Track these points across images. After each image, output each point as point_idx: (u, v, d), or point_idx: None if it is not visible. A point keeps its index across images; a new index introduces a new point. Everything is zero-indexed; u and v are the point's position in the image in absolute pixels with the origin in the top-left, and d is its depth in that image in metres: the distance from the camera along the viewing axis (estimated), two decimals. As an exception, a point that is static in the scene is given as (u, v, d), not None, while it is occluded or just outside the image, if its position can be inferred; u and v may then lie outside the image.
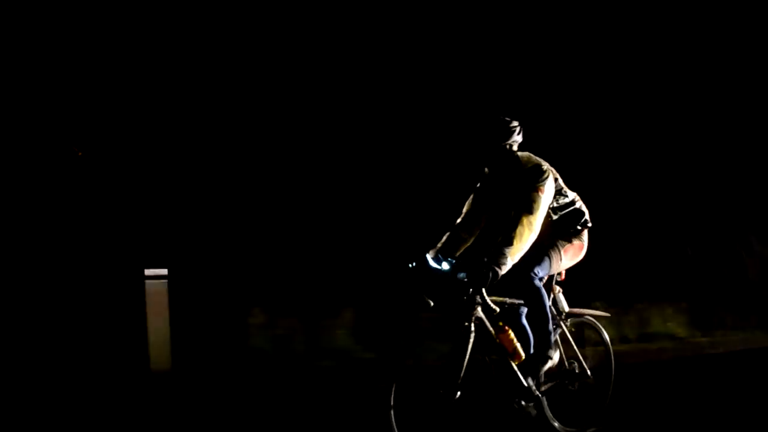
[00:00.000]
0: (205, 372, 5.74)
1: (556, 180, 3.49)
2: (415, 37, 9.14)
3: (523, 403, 3.39)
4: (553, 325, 3.52)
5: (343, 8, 8.81)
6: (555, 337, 3.56)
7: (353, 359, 6.38)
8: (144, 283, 5.53)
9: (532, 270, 3.41)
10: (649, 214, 10.02)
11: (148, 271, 5.55)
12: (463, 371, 3.12)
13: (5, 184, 6.63)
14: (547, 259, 3.47)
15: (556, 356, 3.51)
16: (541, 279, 3.47)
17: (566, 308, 3.71)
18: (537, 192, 3.32)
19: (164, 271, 5.60)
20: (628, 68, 10.15)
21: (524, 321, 3.57)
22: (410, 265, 3.45)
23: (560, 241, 3.55)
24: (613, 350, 3.93)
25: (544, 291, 3.46)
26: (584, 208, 3.65)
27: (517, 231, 3.20)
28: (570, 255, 3.59)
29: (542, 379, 3.51)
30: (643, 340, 8.46)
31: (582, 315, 3.86)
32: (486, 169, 3.57)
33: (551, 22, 9.88)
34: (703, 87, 10.34)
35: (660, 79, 10.32)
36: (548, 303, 3.49)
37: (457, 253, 3.61)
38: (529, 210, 3.27)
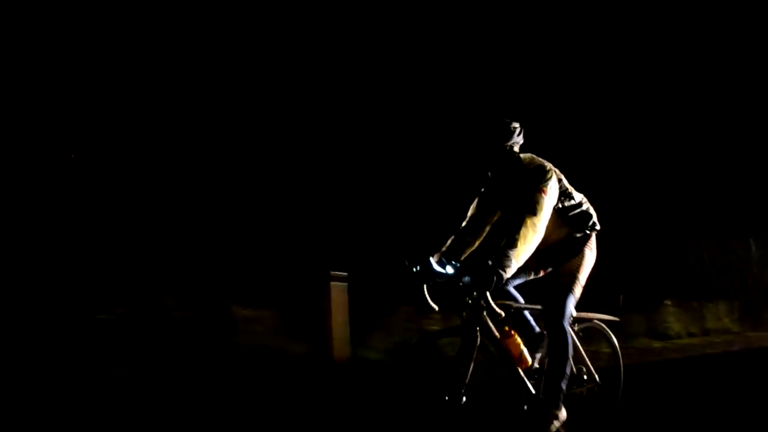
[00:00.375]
0: (377, 361, 6.52)
1: (560, 181, 3.38)
2: (417, 41, 9.54)
3: (529, 409, 3.25)
4: (566, 379, 3.31)
5: (346, 12, 9.27)
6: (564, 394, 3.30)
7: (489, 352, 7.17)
8: (329, 284, 6.30)
9: (563, 314, 3.34)
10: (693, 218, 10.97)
11: (332, 273, 6.32)
12: (468, 377, 3.05)
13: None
14: (571, 296, 3.40)
15: (563, 416, 3.27)
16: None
17: (574, 313, 3.53)
18: (540, 193, 3.21)
19: (345, 273, 6.37)
20: (631, 76, 10.81)
21: (533, 322, 3.54)
22: (414, 269, 3.33)
23: (576, 269, 3.46)
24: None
25: (569, 337, 3.35)
26: (592, 210, 3.54)
27: (521, 233, 3.08)
28: (586, 271, 3.50)
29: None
30: (704, 334, 9.52)
31: (590, 319, 3.71)
32: (489, 173, 3.45)
33: (551, 25, 10.38)
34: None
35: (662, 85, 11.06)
36: (571, 350, 3.34)
37: (462, 257, 3.51)
38: (533, 211, 3.16)
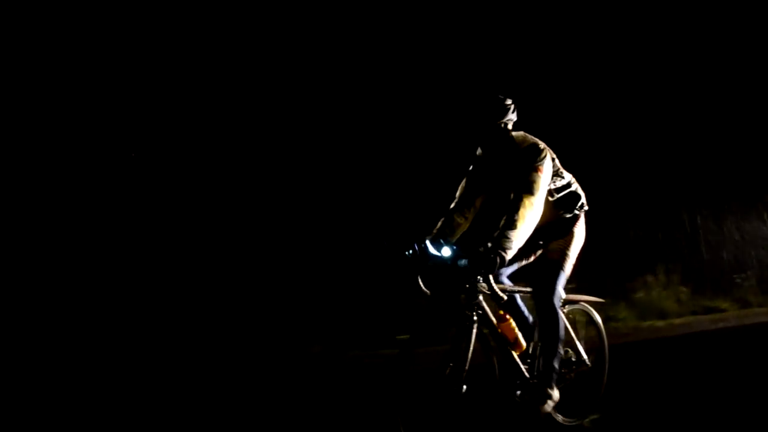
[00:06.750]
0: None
1: (553, 160, 3.34)
2: (404, 21, 9.20)
3: (522, 394, 3.27)
4: (561, 350, 3.36)
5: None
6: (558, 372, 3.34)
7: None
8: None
9: (554, 292, 3.33)
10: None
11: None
12: (468, 363, 2.99)
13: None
14: (562, 273, 3.39)
15: (556, 396, 3.28)
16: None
17: (563, 294, 3.50)
18: (536, 172, 3.19)
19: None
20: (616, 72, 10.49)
21: (523, 308, 3.53)
22: (407, 253, 3.27)
23: (565, 248, 3.46)
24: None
25: (561, 318, 3.35)
26: (580, 191, 3.55)
27: (520, 213, 3.06)
28: (575, 250, 3.49)
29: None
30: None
31: (577, 302, 3.70)
32: (479, 151, 3.44)
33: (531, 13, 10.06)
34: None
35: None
36: (562, 330, 3.35)
37: (453, 239, 3.45)
38: (530, 191, 3.14)
